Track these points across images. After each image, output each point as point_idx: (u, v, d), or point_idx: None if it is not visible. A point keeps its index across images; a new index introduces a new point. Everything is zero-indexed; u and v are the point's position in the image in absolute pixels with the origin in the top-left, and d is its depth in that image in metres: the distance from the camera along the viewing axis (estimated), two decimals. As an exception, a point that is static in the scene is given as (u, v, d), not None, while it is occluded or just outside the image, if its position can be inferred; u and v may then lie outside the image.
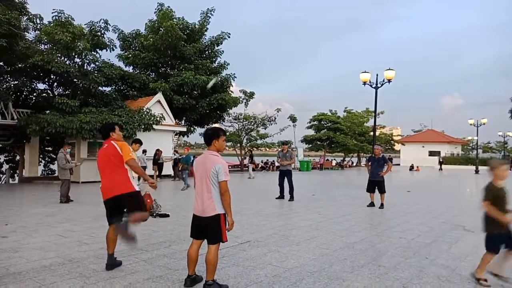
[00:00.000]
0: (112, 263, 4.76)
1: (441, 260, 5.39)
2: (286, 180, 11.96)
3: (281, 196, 12.04)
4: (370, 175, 10.90)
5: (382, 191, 10.58)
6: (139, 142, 8.99)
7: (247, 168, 34.24)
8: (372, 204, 10.63)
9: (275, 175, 28.34)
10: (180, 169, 14.89)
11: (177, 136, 26.35)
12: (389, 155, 52.67)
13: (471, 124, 36.89)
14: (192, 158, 15.60)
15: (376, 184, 10.66)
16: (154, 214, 8.59)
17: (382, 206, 10.40)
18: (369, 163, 11.06)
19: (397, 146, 59.61)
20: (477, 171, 35.17)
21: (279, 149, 12.60)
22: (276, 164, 38.40)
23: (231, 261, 5.13)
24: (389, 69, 17.21)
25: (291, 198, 11.74)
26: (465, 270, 4.92)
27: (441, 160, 44.62)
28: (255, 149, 35.65)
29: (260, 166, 35.91)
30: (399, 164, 54.14)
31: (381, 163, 10.75)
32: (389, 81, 17.27)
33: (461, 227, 7.94)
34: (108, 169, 4.73)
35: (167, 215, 8.63)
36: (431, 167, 48.20)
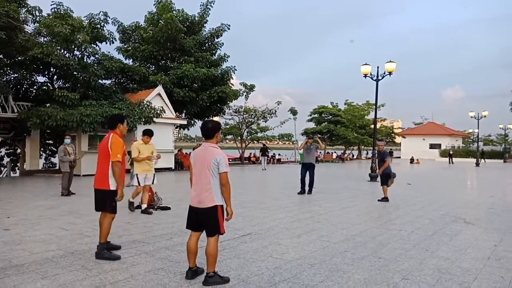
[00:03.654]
0: (99, 251, 4.87)
1: (442, 252, 5.41)
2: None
3: (303, 191, 11.72)
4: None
5: (382, 183, 10.61)
6: (148, 134, 8.29)
7: (247, 161, 34.42)
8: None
9: (276, 167, 28.48)
10: (130, 163, 13.52)
11: (178, 129, 26.35)
12: (390, 149, 52.59)
13: (472, 117, 36.85)
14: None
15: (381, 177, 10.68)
16: (155, 207, 8.62)
17: (382, 199, 10.43)
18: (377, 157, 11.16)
19: (398, 139, 59.61)
20: (477, 164, 35.17)
21: (303, 142, 12.49)
22: (277, 156, 38.61)
23: (232, 254, 5.16)
24: (390, 62, 17.17)
25: (310, 191, 11.65)
26: (465, 262, 4.94)
27: (451, 152, 43.41)
28: (255, 141, 35.66)
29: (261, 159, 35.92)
30: (399, 157, 54.16)
31: (381, 158, 10.82)
32: (390, 73, 17.23)
33: (462, 219, 7.95)
34: (99, 160, 5.04)
35: (168, 208, 8.65)
36: (431, 159, 48.20)
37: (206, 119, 27.64)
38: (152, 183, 8.39)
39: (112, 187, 4.91)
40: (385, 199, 10.41)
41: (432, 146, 55.87)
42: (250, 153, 38.12)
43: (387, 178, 10.50)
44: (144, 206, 8.26)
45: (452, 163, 40.16)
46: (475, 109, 36.52)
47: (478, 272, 4.57)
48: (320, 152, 44.37)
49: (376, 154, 11.67)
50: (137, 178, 8.21)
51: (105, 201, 4.93)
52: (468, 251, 5.51)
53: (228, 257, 4.96)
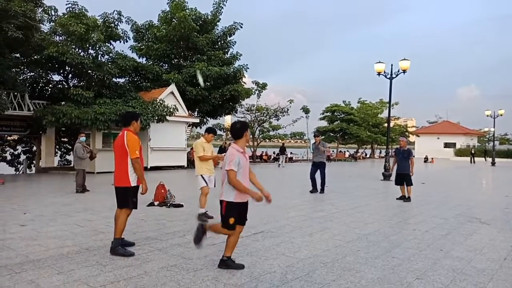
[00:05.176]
0: (114, 247, 4.95)
1: (456, 252, 5.34)
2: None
3: (315, 190, 11.46)
4: (397, 168, 10.67)
5: (408, 184, 10.31)
6: (214, 132, 7.68)
7: (259, 160, 34.48)
8: (402, 197, 10.30)
9: (289, 166, 28.42)
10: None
11: (190, 127, 26.50)
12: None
13: (487, 115, 36.17)
14: None
15: (402, 177, 10.39)
16: (168, 204, 8.69)
17: (408, 199, 10.17)
18: (395, 155, 10.90)
19: (412, 138, 58.90)
20: (493, 163, 34.56)
21: (312, 142, 12.38)
22: (290, 155, 38.53)
23: (245, 251, 5.17)
24: (404, 59, 16.97)
25: (322, 191, 11.43)
26: (481, 263, 4.87)
27: (472, 152, 41.94)
28: (267, 140, 35.68)
29: (272, 157, 35.94)
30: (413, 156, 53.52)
31: (406, 156, 10.57)
32: (404, 71, 17.02)
33: (477, 219, 7.83)
34: (116, 158, 5.07)
35: (181, 205, 8.71)
36: (446, 159, 47.52)
37: (219, 117, 27.91)
38: (214, 185, 7.32)
39: (133, 183, 4.98)
40: (403, 197, 10.26)
41: (447, 145, 55.06)
42: (262, 152, 38.12)
43: (405, 178, 10.33)
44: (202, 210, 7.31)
45: (474, 162, 39.21)
46: (491, 108, 35.47)
47: (494, 273, 4.50)
48: (333, 151, 44.22)
49: (393, 153, 11.42)
50: (203, 178, 7.22)
51: (127, 198, 5.00)
52: (484, 251, 5.42)
53: (240, 255, 4.97)
